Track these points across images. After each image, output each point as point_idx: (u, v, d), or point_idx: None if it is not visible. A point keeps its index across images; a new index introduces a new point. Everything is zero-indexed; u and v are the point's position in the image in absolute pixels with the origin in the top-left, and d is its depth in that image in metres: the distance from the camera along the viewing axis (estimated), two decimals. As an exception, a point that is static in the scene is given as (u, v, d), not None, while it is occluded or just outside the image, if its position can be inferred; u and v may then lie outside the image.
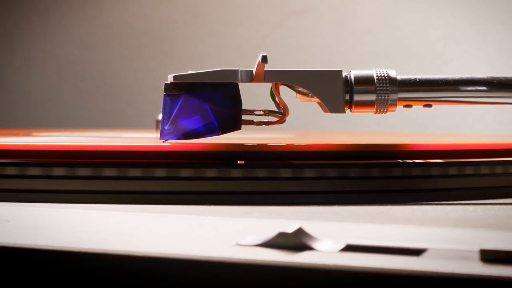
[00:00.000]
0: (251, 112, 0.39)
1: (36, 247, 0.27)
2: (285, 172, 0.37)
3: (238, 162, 0.37)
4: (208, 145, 0.37)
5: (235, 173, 0.37)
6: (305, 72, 0.38)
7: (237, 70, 0.38)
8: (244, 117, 0.39)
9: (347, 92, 0.38)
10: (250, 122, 0.39)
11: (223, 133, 0.38)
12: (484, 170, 0.40)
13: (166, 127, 0.38)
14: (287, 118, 0.39)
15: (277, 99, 0.39)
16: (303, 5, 0.88)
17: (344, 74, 0.38)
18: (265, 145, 0.38)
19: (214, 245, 0.27)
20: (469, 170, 0.39)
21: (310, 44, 0.88)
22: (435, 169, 0.39)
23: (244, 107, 0.38)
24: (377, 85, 0.38)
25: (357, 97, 0.38)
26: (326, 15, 0.87)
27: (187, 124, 0.38)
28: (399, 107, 0.39)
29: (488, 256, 0.24)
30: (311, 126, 0.87)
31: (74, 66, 0.98)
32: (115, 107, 0.96)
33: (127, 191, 0.37)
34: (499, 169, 0.40)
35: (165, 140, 0.38)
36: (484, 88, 0.38)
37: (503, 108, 0.78)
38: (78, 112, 0.97)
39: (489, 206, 0.37)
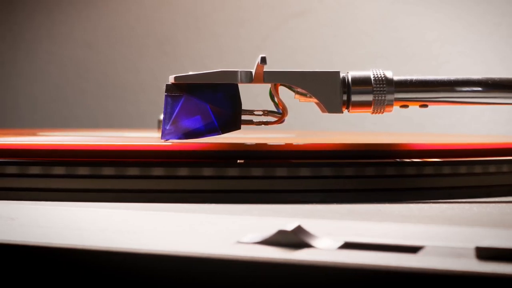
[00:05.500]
0: (250, 112, 0.39)
1: (40, 245, 0.27)
2: (284, 171, 0.37)
3: (238, 161, 0.38)
4: (209, 145, 0.38)
5: (235, 172, 0.37)
6: (303, 73, 0.38)
7: (237, 71, 0.38)
8: (243, 117, 0.39)
9: (344, 93, 0.38)
10: (250, 122, 0.39)
11: (223, 132, 0.39)
12: (480, 169, 0.40)
13: (167, 127, 0.38)
14: (286, 118, 0.39)
15: (276, 100, 0.39)
16: (302, 8, 0.88)
17: (341, 75, 0.38)
18: (264, 144, 0.39)
19: (214, 243, 0.27)
20: (466, 169, 0.40)
21: (309, 46, 0.88)
22: (432, 168, 0.39)
23: (243, 107, 0.39)
24: (374, 85, 0.38)
25: (354, 98, 0.38)
26: (324, 17, 0.88)
27: (188, 124, 0.38)
28: (396, 107, 0.39)
29: (484, 254, 0.24)
30: (309, 126, 0.87)
31: (78, 67, 0.98)
32: (118, 107, 0.96)
33: (129, 189, 0.37)
34: (494, 168, 0.40)
35: (166, 140, 0.38)
36: (479, 88, 0.39)
37: (498, 108, 0.78)
38: (82, 112, 0.98)
39: (485, 204, 0.37)
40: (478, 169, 0.40)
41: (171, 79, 0.38)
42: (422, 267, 0.24)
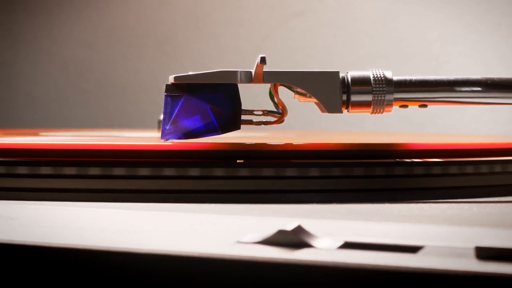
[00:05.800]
0: (250, 112, 0.39)
1: (40, 245, 0.28)
2: (284, 171, 0.37)
3: (238, 161, 0.38)
4: (209, 145, 0.38)
5: (235, 172, 0.37)
6: (303, 73, 0.38)
7: (237, 71, 0.38)
8: (243, 117, 0.39)
9: (344, 93, 0.38)
10: (250, 122, 0.39)
11: (223, 132, 0.39)
12: (480, 169, 0.40)
13: (167, 127, 0.38)
14: (286, 118, 0.39)
15: (275, 100, 0.39)
16: (302, 8, 0.89)
17: (341, 75, 0.39)
18: (264, 144, 0.39)
19: (214, 243, 0.27)
20: (465, 169, 0.40)
21: (309, 46, 0.88)
22: (432, 168, 0.39)
23: (243, 107, 0.39)
24: (374, 85, 0.38)
25: (354, 98, 0.38)
26: (324, 17, 0.88)
27: (188, 124, 0.38)
28: (395, 107, 0.39)
29: (483, 253, 0.24)
30: (309, 126, 0.87)
31: (78, 67, 0.98)
32: (118, 107, 0.96)
33: (131, 189, 0.37)
34: (495, 168, 0.40)
35: (166, 140, 0.38)
36: (479, 88, 0.39)
37: (498, 108, 0.78)
38: (82, 112, 0.98)
39: (484, 204, 0.37)
40: (478, 169, 0.40)
41: (171, 79, 0.38)
42: (422, 267, 0.24)
